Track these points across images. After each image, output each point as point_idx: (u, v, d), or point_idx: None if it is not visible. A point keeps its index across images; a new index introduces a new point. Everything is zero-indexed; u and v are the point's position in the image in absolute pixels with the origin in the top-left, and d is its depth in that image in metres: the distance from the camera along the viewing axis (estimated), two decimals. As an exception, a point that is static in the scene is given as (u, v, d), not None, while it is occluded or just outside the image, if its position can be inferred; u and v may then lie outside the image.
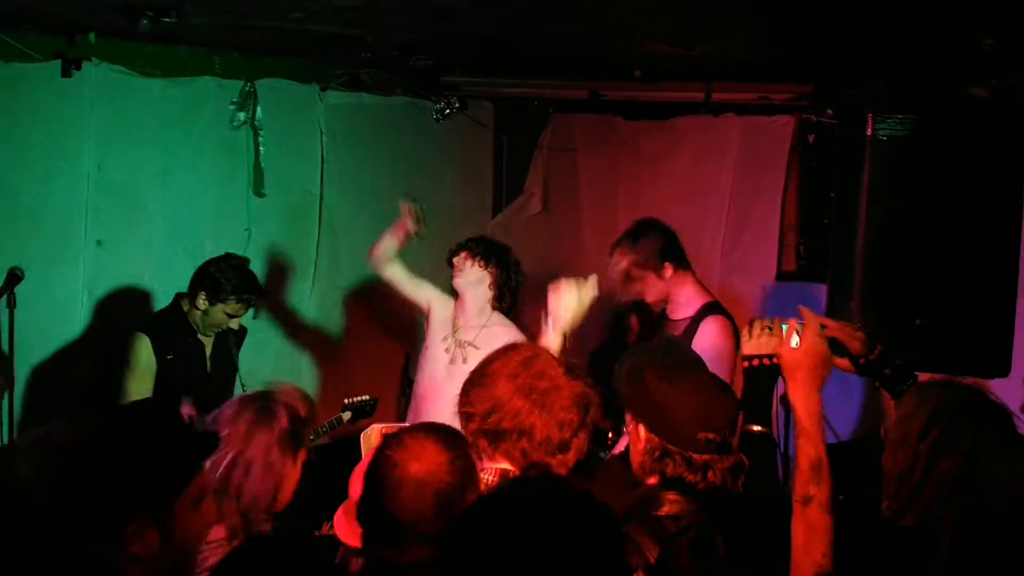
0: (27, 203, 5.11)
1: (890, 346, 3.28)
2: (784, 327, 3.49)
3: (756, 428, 3.26)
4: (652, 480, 2.73)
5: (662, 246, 4.81)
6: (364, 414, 5.27)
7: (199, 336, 5.03)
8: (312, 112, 6.33)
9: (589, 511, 2.04)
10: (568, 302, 3.87)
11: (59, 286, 5.26)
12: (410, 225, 5.13)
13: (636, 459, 2.80)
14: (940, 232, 4.57)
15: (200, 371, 5.04)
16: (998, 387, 3.78)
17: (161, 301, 5.25)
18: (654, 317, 5.07)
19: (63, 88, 5.16)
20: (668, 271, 4.77)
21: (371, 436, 3.63)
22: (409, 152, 6.90)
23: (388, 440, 2.51)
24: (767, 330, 3.46)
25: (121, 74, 5.38)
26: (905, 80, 5.05)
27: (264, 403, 3.18)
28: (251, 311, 5.05)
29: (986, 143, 4.60)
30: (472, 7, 4.58)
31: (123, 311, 5.39)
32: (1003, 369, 4.53)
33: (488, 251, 5.03)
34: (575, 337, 3.80)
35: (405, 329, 6.16)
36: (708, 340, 4.66)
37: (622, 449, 4.27)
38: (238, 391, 5.11)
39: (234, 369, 5.16)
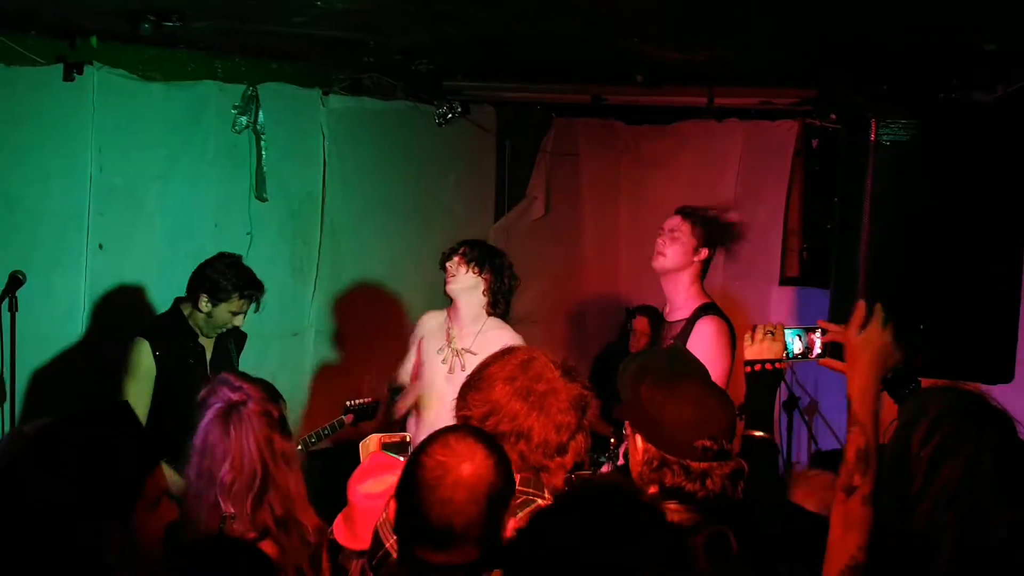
0: (28, 207, 5.11)
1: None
2: (787, 332, 3.49)
3: (757, 434, 3.26)
4: (652, 490, 2.72)
5: (719, 234, 4.89)
6: (366, 417, 5.27)
7: (199, 340, 5.03)
8: (314, 116, 6.33)
9: (656, 521, 2.04)
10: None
11: (60, 290, 5.26)
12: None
13: (635, 469, 2.79)
14: (944, 237, 4.56)
15: (201, 375, 5.02)
16: (1001, 393, 3.77)
17: (162, 305, 5.24)
18: (662, 318, 5.06)
19: (65, 92, 5.15)
20: (703, 254, 4.80)
21: (369, 445, 3.61)
22: (411, 156, 6.90)
23: (433, 443, 2.46)
24: (769, 335, 3.45)
25: (123, 78, 5.38)
26: (909, 85, 5.04)
27: (253, 404, 3.18)
28: (253, 306, 5.03)
29: (990, 148, 4.58)
30: (474, 11, 4.57)
31: (124, 315, 5.38)
32: (1007, 375, 4.51)
33: (482, 256, 5.02)
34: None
35: (407, 333, 6.15)
36: (703, 341, 4.66)
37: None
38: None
39: (235, 372, 5.14)
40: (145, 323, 5.14)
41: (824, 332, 3.49)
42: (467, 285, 5.00)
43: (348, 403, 5.28)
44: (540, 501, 2.79)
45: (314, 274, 6.43)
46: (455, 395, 4.85)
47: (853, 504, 2.73)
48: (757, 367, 3.42)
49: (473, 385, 2.87)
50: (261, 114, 5.95)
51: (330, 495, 3.42)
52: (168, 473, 4.38)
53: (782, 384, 3.63)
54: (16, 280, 4.76)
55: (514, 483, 2.54)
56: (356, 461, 3.74)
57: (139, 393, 4.85)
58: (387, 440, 3.71)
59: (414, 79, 6.53)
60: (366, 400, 5.29)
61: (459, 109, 6.69)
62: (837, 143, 5.70)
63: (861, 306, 2.99)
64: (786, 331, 3.51)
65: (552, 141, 7.66)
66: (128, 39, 5.16)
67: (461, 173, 7.31)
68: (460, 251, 5.03)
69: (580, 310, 7.80)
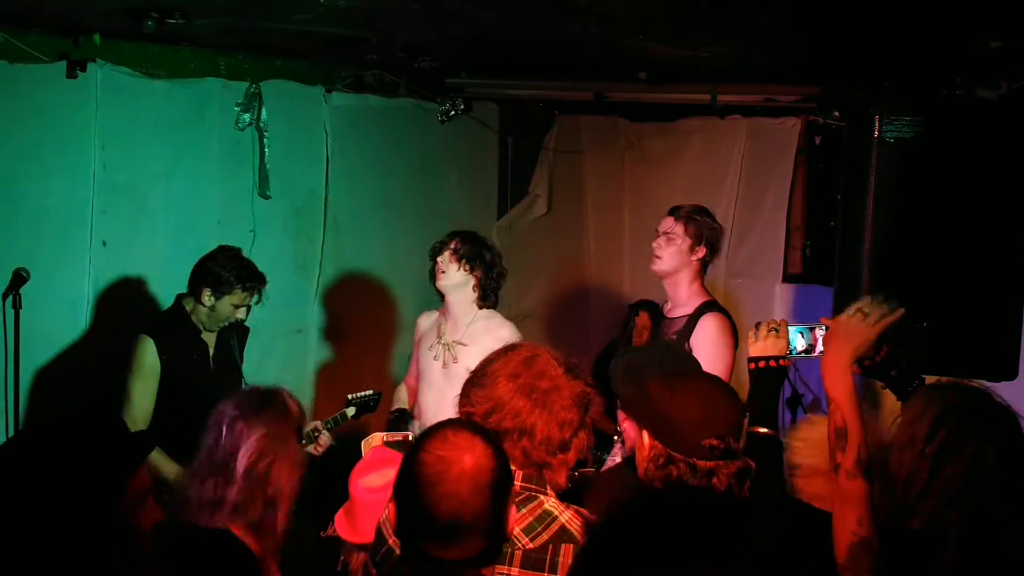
0: (32, 204, 5.11)
1: (897, 348, 3.26)
2: (791, 329, 3.50)
3: (762, 430, 3.26)
4: (657, 487, 2.72)
5: (713, 232, 4.86)
6: (368, 409, 5.28)
7: (202, 336, 5.03)
8: (317, 114, 6.33)
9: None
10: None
11: (64, 287, 5.26)
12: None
13: (641, 466, 2.79)
14: (947, 234, 4.56)
15: (204, 371, 5.03)
16: (1005, 390, 3.76)
17: (166, 302, 5.24)
18: (662, 314, 5.07)
19: (68, 89, 5.15)
20: (700, 253, 4.80)
21: (372, 443, 3.62)
22: (414, 154, 6.90)
23: (430, 439, 2.45)
24: (773, 332, 3.46)
25: (126, 75, 5.38)
26: (912, 82, 5.04)
27: (278, 398, 3.19)
28: (255, 299, 5.04)
29: (994, 145, 4.58)
30: (478, 9, 4.57)
31: (128, 312, 5.38)
32: (1010, 372, 4.51)
33: (472, 254, 5.05)
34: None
35: (409, 328, 6.16)
36: (706, 337, 4.67)
37: (617, 456, 4.25)
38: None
39: (238, 368, 5.16)
40: (149, 321, 5.15)
41: (828, 329, 3.49)
42: (457, 282, 5.05)
43: (350, 396, 5.29)
44: (542, 498, 2.79)
45: (317, 271, 6.43)
46: (451, 388, 4.90)
47: (840, 480, 2.77)
48: (761, 364, 3.42)
49: (476, 381, 2.87)
50: (264, 111, 5.95)
51: (331, 489, 3.43)
52: (165, 463, 4.39)
53: (785, 381, 3.62)
54: (20, 277, 4.77)
55: (512, 473, 2.55)
56: (358, 456, 3.75)
57: (145, 391, 4.87)
58: (390, 439, 3.71)
59: (417, 76, 6.53)
60: (368, 392, 5.29)
61: (462, 106, 6.69)
62: (840, 140, 5.69)
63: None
64: (790, 328, 3.52)
65: (555, 138, 7.66)
66: (131, 36, 5.16)
67: (464, 170, 7.32)
68: (451, 246, 5.05)
69: (583, 307, 7.80)
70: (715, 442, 2.68)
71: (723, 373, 4.49)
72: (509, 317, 5.32)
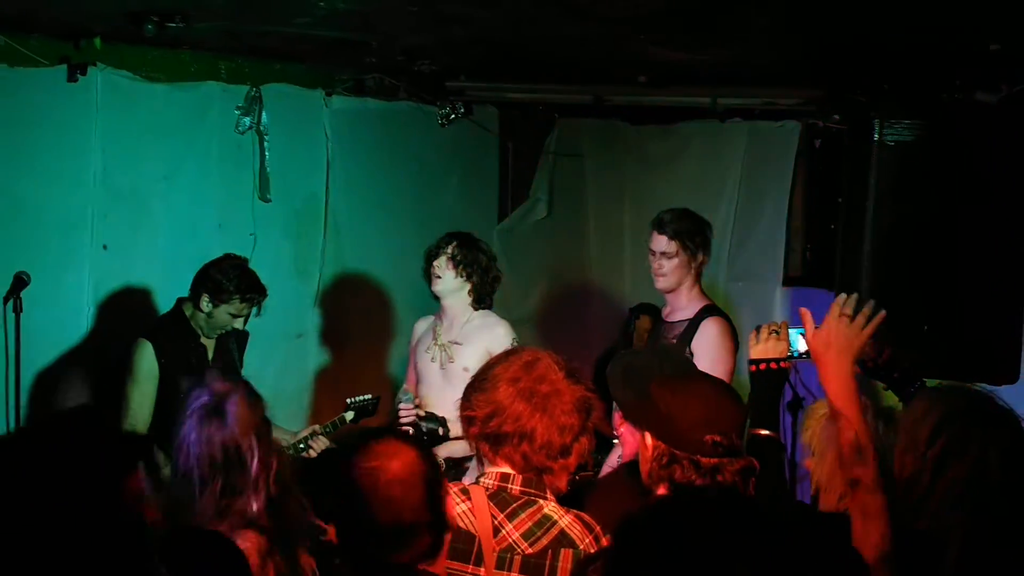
0: (33, 208, 5.12)
1: (899, 350, 3.26)
2: (791, 331, 3.50)
3: (763, 432, 3.26)
4: (661, 489, 2.72)
5: (704, 234, 4.91)
6: (367, 413, 5.28)
7: (201, 340, 5.03)
8: (317, 117, 6.33)
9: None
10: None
11: (65, 291, 5.26)
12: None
13: (644, 467, 2.79)
14: (947, 238, 4.56)
15: (203, 375, 5.02)
16: (1007, 393, 3.76)
17: (166, 306, 5.24)
18: (661, 318, 5.07)
19: (68, 93, 5.16)
20: (699, 259, 4.87)
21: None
22: (414, 157, 6.90)
23: (357, 454, 2.51)
24: (774, 334, 3.46)
25: (126, 79, 5.38)
26: (912, 85, 5.04)
27: (235, 399, 3.17)
28: (254, 310, 5.04)
29: (994, 149, 4.58)
30: (477, 12, 4.57)
31: (129, 316, 5.39)
32: (1012, 375, 4.51)
33: (469, 259, 5.08)
34: None
35: (409, 332, 6.15)
36: (707, 341, 4.69)
37: (614, 461, 4.25)
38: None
39: (237, 373, 5.15)
40: (148, 324, 5.15)
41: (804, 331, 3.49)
42: (453, 287, 5.07)
43: (349, 400, 5.29)
44: (542, 502, 2.79)
45: (317, 274, 6.43)
46: (450, 388, 4.94)
47: (860, 496, 2.73)
48: (762, 366, 3.43)
49: (477, 385, 2.87)
50: (264, 115, 5.95)
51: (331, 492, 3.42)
52: (165, 466, 4.39)
53: (786, 384, 3.62)
54: (20, 281, 4.77)
55: (437, 462, 2.60)
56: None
57: (143, 395, 4.87)
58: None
59: (417, 80, 6.53)
60: (367, 397, 5.30)
61: (462, 110, 6.68)
62: (841, 143, 5.69)
63: (833, 304, 2.97)
64: (790, 330, 3.52)
65: (555, 142, 7.66)
66: (132, 40, 5.16)
67: (464, 174, 7.31)
68: (448, 251, 5.06)
69: (583, 310, 7.79)
70: (718, 438, 2.68)
71: (724, 376, 4.50)
72: (509, 320, 5.32)
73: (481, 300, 5.14)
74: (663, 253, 4.84)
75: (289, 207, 6.22)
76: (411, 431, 4.89)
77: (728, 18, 4.48)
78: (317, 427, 5.17)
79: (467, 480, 3.60)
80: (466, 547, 2.73)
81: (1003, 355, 4.56)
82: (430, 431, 4.88)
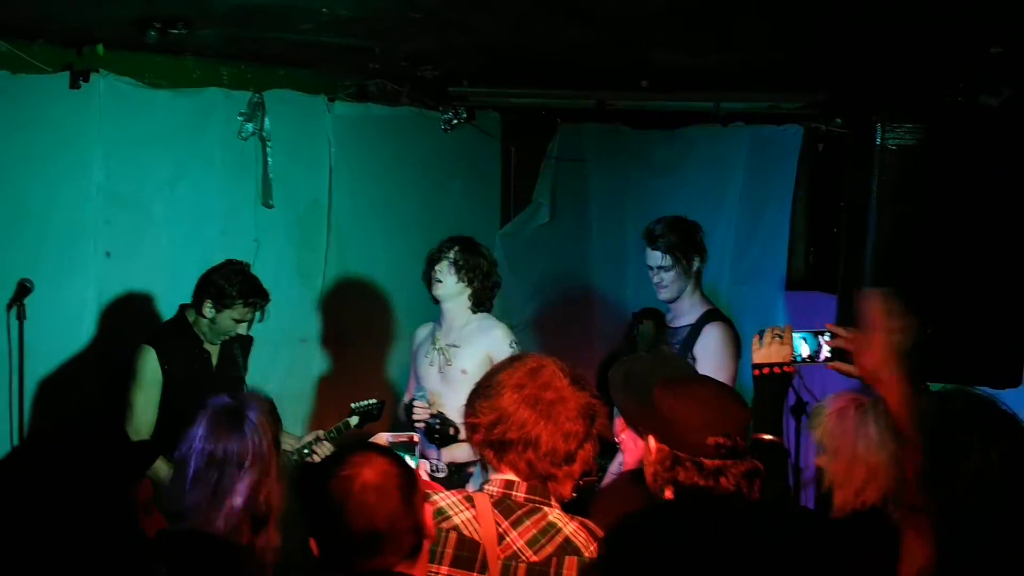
0: (36, 214, 5.13)
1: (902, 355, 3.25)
2: (795, 335, 3.50)
3: (767, 437, 3.26)
4: (668, 493, 2.72)
5: (696, 241, 4.93)
6: (371, 418, 5.28)
7: (205, 346, 5.04)
8: (320, 123, 6.34)
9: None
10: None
11: (68, 297, 5.27)
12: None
13: (649, 471, 2.79)
14: (950, 241, 4.55)
15: (207, 381, 5.03)
16: (1009, 397, 3.76)
17: (170, 312, 5.25)
18: (664, 324, 5.08)
19: (71, 99, 5.17)
20: (696, 265, 4.91)
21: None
22: (417, 162, 6.91)
23: (330, 466, 2.53)
24: (777, 338, 3.46)
25: (129, 85, 5.40)
26: (914, 88, 5.03)
27: (246, 414, 3.18)
28: (257, 315, 5.05)
29: (996, 152, 4.57)
30: (480, 18, 4.58)
31: (132, 322, 5.40)
32: (1015, 380, 4.50)
33: (470, 265, 5.09)
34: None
35: (412, 337, 6.16)
36: (710, 346, 4.71)
37: (615, 468, 4.24)
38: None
39: (241, 378, 5.16)
40: (151, 330, 5.15)
41: (832, 336, 3.49)
42: (453, 292, 5.08)
43: (353, 405, 5.30)
44: (547, 509, 2.79)
45: (320, 280, 6.44)
46: (449, 390, 4.94)
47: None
48: (766, 370, 3.43)
49: (481, 392, 2.86)
50: (267, 121, 5.96)
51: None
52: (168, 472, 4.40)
53: (790, 388, 3.62)
54: (24, 288, 4.78)
55: (414, 472, 2.60)
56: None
57: (146, 401, 4.88)
58: (395, 440, 3.71)
59: (420, 85, 6.54)
60: (371, 401, 5.30)
61: (464, 115, 6.69)
62: (843, 147, 5.68)
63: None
64: (794, 334, 3.52)
65: (557, 146, 7.66)
66: (134, 47, 5.17)
67: (467, 179, 7.32)
68: (450, 256, 5.07)
69: (586, 315, 7.79)
70: (721, 440, 2.68)
71: (727, 381, 4.50)
72: (511, 325, 5.33)
73: (480, 304, 5.15)
74: (660, 267, 4.87)
75: (292, 213, 6.23)
76: (423, 428, 4.91)
77: (729, 21, 4.48)
78: (321, 432, 5.17)
79: (471, 487, 3.60)
80: (470, 555, 2.72)
81: (1006, 359, 4.55)
82: (442, 431, 4.89)
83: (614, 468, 4.29)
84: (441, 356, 5.15)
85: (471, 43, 5.21)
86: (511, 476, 2.80)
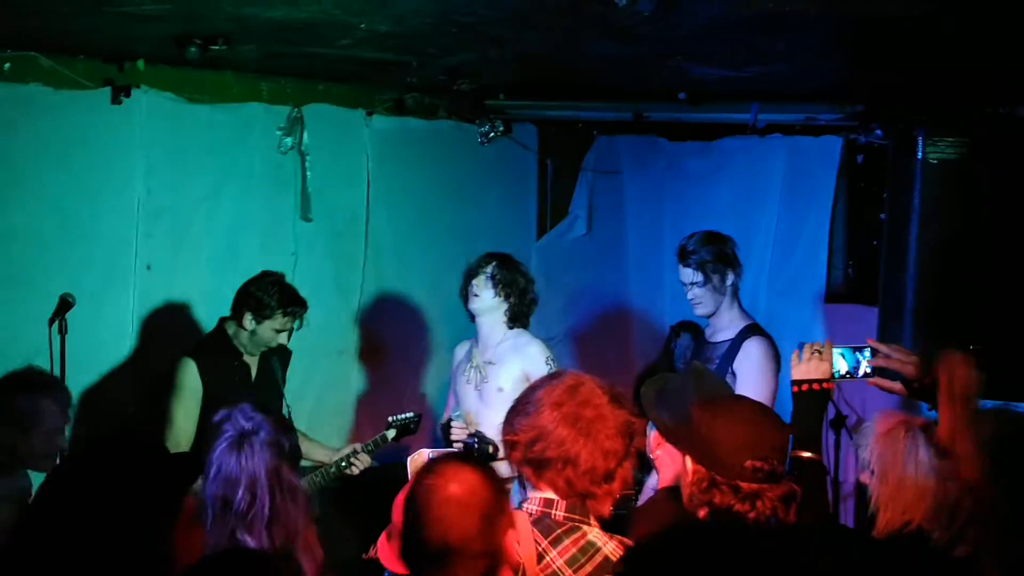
0: (77, 229, 5.17)
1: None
2: (834, 351, 3.48)
3: (806, 455, 3.24)
4: (702, 514, 2.70)
5: (728, 254, 4.89)
6: (408, 431, 5.29)
7: (244, 358, 5.06)
8: (358, 137, 6.36)
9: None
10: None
11: (109, 311, 5.31)
12: None
13: (685, 492, 2.78)
14: (993, 256, 4.52)
15: (247, 393, 5.05)
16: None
17: (209, 325, 5.29)
18: (704, 339, 5.05)
19: (112, 115, 5.22)
20: (731, 279, 4.86)
21: (417, 462, 3.63)
22: (454, 176, 6.92)
23: (423, 471, 2.56)
24: (817, 354, 3.44)
25: (169, 100, 5.44)
26: (955, 102, 4.99)
27: (257, 437, 3.19)
28: (296, 324, 5.07)
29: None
30: (516, 33, 4.58)
31: (172, 335, 5.43)
32: (1058, 396, 4.45)
33: (508, 280, 5.09)
34: None
35: (448, 349, 6.16)
36: (750, 362, 4.67)
37: (653, 483, 4.21)
38: (285, 413, 5.14)
39: (279, 391, 5.18)
40: (191, 343, 5.19)
41: (873, 352, 3.47)
42: (489, 306, 5.08)
43: (390, 419, 5.31)
44: (586, 528, 2.78)
45: (358, 293, 6.46)
46: (485, 408, 4.93)
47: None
48: (805, 387, 3.41)
49: (520, 409, 2.86)
50: (306, 135, 5.99)
51: (375, 511, 3.43)
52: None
53: (829, 403, 3.60)
54: (66, 303, 4.82)
55: (506, 496, 2.60)
56: (399, 477, 3.75)
57: (186, 412, 4.90)
58: (435, 456, 3.71)
59: (457, 99, 6.55)
60: (408, 415, 5.31)
61: (501, 128, 6.70)
62: (883, 158, 5.65)
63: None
64: (834, 350, 3.50)
65: (594, 159, 7.65)
66: (175, 62, 5.21)
67: (503, 192, 7.33)
68: (488, 271, 5.07)
69: (623, 328, 7.77)
70: (758, 464, 2.66)
71: (767, 398, 4.48)
72: (548, 338, 5.32)
73: (516, 320, 5.14)
74: (692, 283, 4.85)
75: (330, 226, 6.26)
76: (462, 448, 4.91)
77: (768, 38, 4.46)
78: (358, 445, 5.18)
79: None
80: (511, 574, 2.72)
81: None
82: (481, 449, 4.88)
83: (651, 483, 4.27)
84: (478, 374, 5.14)
85: (507, 57, 5.21)
86: (550, 494, 2.80)
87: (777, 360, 4.70)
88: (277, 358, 5.20)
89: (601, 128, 7.55)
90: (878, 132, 6.08)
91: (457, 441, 4.97)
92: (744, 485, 2.67)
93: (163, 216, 5.47)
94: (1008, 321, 4.50)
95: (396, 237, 6.60)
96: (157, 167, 5.42)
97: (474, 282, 5.11)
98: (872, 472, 3.19)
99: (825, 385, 3.43)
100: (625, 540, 2.80)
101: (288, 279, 5.13)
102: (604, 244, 7.76)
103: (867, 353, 3.50)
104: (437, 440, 5.67)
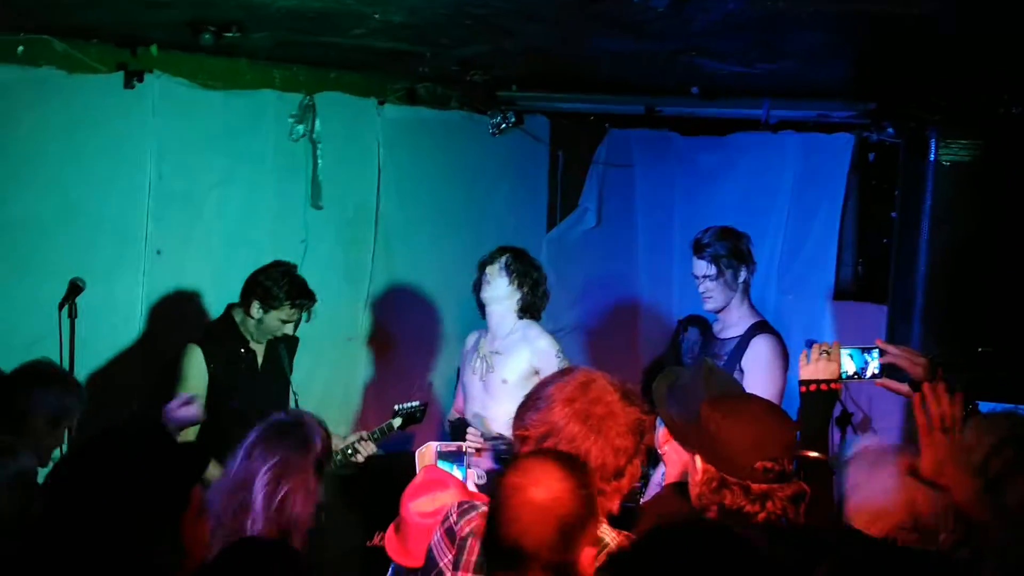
0: (89, 213, 5.18)
1: (952, 372, 3.23)
2: (842, 352, 3.48)
3: (812, 454, 3.24)
4: (711, 513, 2.70)
5: (742, 251, 4.88)
6: (414, 420, 5.29)
7: (251, 345, 5.07)
8: (370, 125, 6.36)
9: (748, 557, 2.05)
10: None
11: (119, 295, 5.32)
12: None
13: (694, 491, 2.77)
14: (1003, 258, 4.51)
15: (252, 381, 5.07)
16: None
17: (219, 311, 5.30)
18: (712, 334, 5.05)
19: (125, 99, 5.22)
20: (743, 276, 4.85)
21: (425, 454, 3.63)
22: (465, 166, 6.92)
23: (511, 467, 2.54)
24: (825, 355, 3.44)
25: (182, 86, 5.44)
26: (967, 103, 4.98)
27: (299, 430, 3.23)
28: (304, 316, 5.08)
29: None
30: (530, 26, 4.58)
31: (181, 320, 5.45)
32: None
33: (523, 272, 5.10)
34: None
35: (457, 339, 6.17)
36: (758, 359, 4.67)
37: (659, 479, 4.22)
38: (291, 400, 5.15)
39: (286, 378, 5.19)
40: (198, 329, 5.20)
41: (881, 352, 3.47)
42: (501, 295, 5.08)
43: (397, 407, 5.31)
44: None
45: (367, 281, 6.46)
46: (489, 399, 4.93)
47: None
48: (812, 387, 3.41)
49: (531, 405, 2.86)
50: (318, 123, 5.99)
51: (383, 501, 3.44)
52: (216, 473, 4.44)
53: (836, 403, 3.60)
54: (75, 287, 4.82)
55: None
56: (409, 466, 3.75)
57: (193, 399, 4.91)
58: (444, 449, 3.71)
59: (469, 89, 6.55)
60: (414, 404, 5.31)
61: (513, 119, 6.70)
62: (895, 157, 5.64)
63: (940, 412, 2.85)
64: (842, 350, 3.50)
65: (606, 152, 7.65)
66: (188, 48, 5.21)
67: (514, 183, 7.32)
68: (502, 260, 5.08)
69: (631, 321, 7.77)
70: (769, 464, 2.66)
71: (775, 395, 4.48)
72: (555, 329, 5.32)
73: (526, 311, 5.13)
74: (705, 276, 4.84)
75: (341, 214, 6.26)
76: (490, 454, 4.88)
77: (780, 35, 4.45)
78: (365, 433, 5.18)
79: None
80: None
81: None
82: (510, 451, 4.85)
83: (656, 479, 4.27)
84: (484, 364, 5.14)
85: (520, 49, 5.21)
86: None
87: (786, 358, 4.70)
88: (284, 345, 5.20)
89: (613, 121, 7.55)
90: (890, 130, 6.08)
91: (479, 450, 4.92)
92: (755, 486, 2.66)
93: (174, 201, 5.47)
94: (1018, 324, 4.50)
95: (406, 226, 6.60)
96: (169, 152, 5.42)
97: (488, 270, 5.11)
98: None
99: (833, 386, 3.43)
100: (631, 536, 2.80)
101: (298, 266, 5.14)
102: (614, 237, 7.76)
103: (875, 354, 3.50)
104: (444, 432, 5.68)
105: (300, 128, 5.94)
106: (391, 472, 4.19)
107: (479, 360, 5.17)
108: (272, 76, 5.86)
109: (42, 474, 3.46)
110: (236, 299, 5.07)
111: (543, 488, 2.42)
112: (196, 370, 4.93)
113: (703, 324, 6.29)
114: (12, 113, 4.90)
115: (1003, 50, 4.46)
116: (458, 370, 5.49)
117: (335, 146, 6.11)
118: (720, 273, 4.81)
